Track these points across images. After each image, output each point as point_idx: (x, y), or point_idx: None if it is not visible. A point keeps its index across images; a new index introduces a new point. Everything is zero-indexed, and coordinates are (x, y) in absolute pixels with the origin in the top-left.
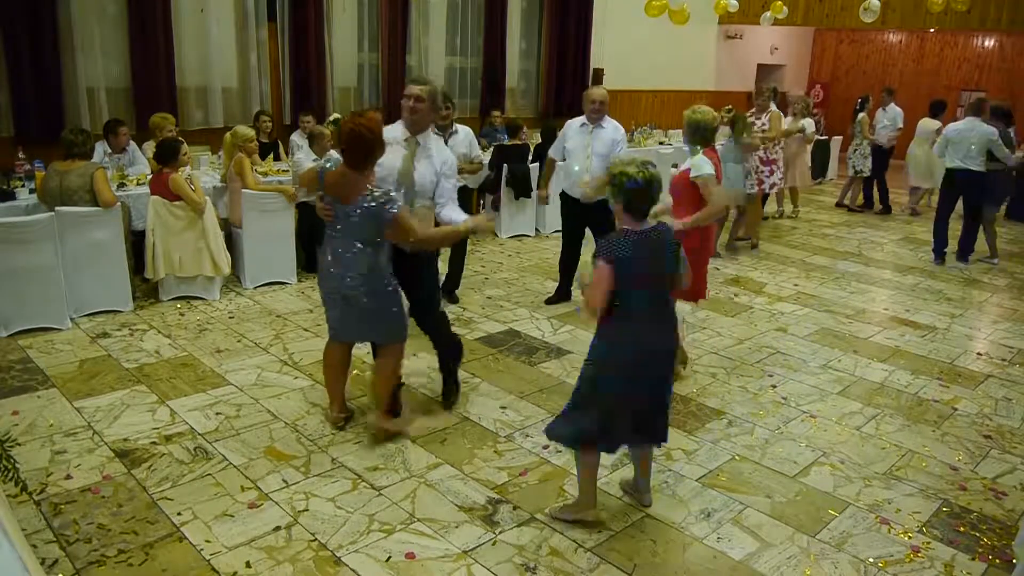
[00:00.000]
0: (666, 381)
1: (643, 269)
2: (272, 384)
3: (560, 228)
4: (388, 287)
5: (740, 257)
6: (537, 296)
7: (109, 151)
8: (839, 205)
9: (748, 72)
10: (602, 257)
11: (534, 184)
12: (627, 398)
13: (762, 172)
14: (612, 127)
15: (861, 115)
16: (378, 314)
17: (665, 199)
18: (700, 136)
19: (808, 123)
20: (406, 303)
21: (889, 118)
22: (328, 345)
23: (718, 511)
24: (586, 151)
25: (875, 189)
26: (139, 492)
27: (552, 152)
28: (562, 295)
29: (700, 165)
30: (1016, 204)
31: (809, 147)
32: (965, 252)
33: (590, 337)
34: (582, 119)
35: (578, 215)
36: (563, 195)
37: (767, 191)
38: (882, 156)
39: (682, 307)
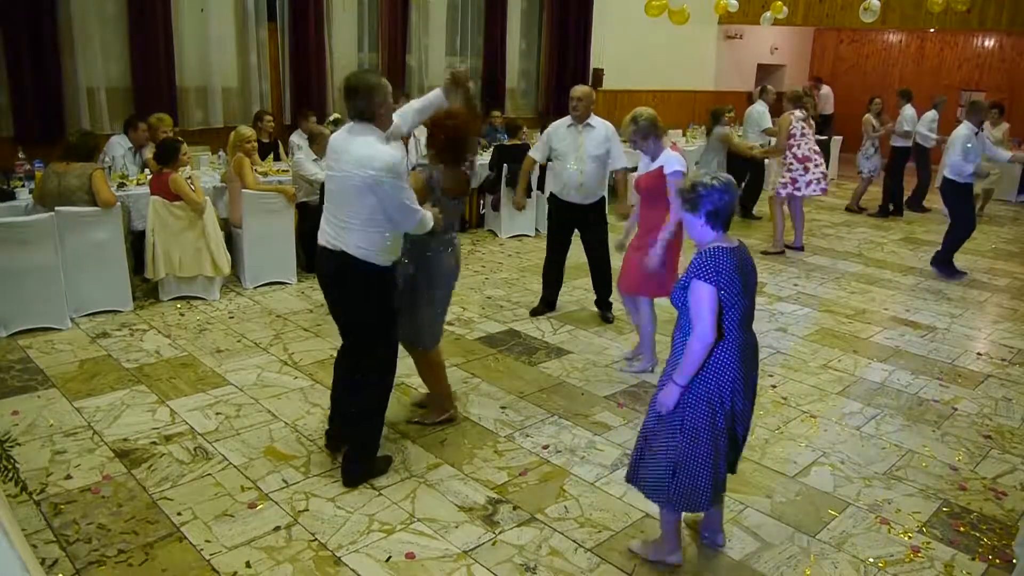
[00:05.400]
0: (751, 406)
1: (739, 287)
2: (272, 384)
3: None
4: None
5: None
6: (537, 296)
7: (131, 145)
8: (848, 209)
9: (748, 72)
10: (702, 278)
11: (534, 184)
12: (724, 427)
13: (796, 170)
14: (602, 125)
15: (865, 116)
16: None
17: (632, 198)
18: (657, 130)
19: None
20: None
21: (906, 121)
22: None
23: None
24: (578, 152)
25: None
26: (139, 492)
27: (534, 153)
28: (548, 305)
29: (672, 161)
30: (914, 196)
31: None
32: (938, 262)
33: (591, 338)
34: (568, 120)
35: (568, 219)
36: (552, 198)
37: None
38: (899, 158)
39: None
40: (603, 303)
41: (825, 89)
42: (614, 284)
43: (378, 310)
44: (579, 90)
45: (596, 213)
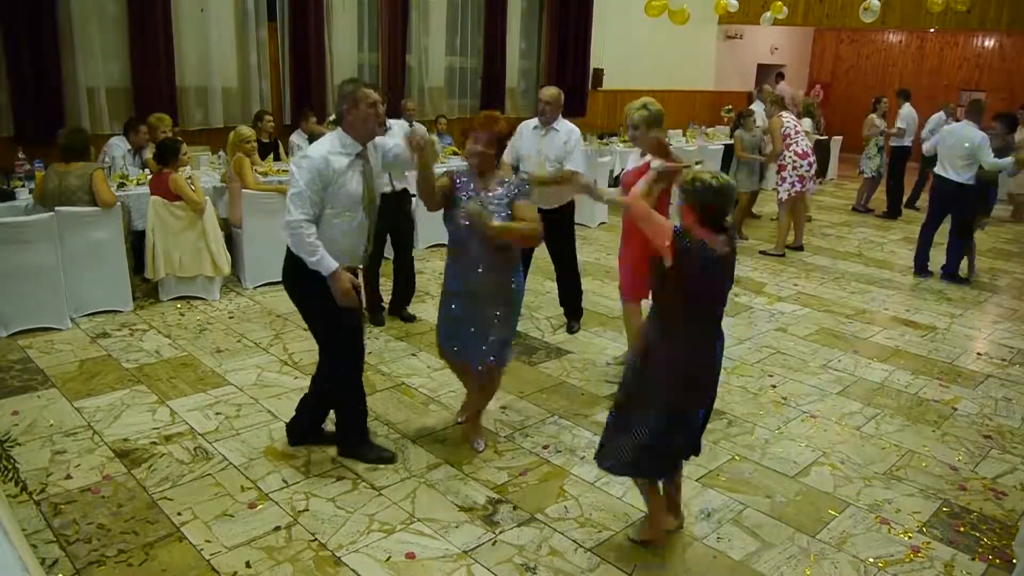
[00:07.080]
0: (711, 401)
1: (708, 285)
2: (272, 384)
3: None
4: None
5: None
6: (536, 296)
7: (130, 147)
8: (855, 209)
9: (748, 72)
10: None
11: None
12: (681, 417)
13: (801, 167)
14: (565, 130)
15: (869, 116)
16: None
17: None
18: (660, 124)
19: (806, 122)
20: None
21: (902, 120)
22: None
23: (718, 511)
24: (539, 156)
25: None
26: (139, 492)
27: (505, 156)
28: None
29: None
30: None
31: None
32: (949, 270)
33: (591, 338)
34: (535, 121)
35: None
36: None
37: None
38: (899, 158)
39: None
40: (574, 316)
41: (781, 85)
42: (604, 293)
43: (318, 310)
44: (548, 93)
45: (561, 220)
